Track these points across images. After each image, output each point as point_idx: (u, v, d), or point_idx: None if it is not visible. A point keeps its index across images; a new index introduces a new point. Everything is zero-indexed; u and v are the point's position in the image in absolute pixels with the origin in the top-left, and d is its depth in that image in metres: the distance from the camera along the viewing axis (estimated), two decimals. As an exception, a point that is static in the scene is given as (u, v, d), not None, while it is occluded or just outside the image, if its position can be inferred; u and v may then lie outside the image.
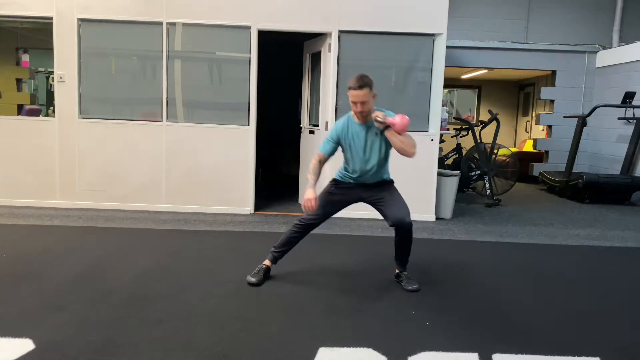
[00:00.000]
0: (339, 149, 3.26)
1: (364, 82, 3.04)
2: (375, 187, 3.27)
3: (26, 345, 2.36)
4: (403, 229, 3.19)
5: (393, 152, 3.19)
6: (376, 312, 2.92)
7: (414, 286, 3.29)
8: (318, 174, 3.18)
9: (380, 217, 3.39)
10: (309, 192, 3.08)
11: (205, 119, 5.47)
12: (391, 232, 3.32)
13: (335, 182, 3.35)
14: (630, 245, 4.80)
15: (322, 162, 3.22)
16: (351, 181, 3.28)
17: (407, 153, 3.08)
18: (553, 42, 8.29)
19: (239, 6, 5.30)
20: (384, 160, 3.25)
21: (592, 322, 2.88)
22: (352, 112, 3.20)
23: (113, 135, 5.41)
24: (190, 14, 5.31)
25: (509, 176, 7.33)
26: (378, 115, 3.06)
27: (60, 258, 3.70)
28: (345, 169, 3.31)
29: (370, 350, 2.44)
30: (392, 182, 3.36)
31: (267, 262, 3.40)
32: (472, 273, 3.74)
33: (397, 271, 3.44)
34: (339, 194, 3.30)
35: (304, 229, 3.33)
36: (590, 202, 7.11)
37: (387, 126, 3.06)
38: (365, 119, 3.14)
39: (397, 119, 3.04)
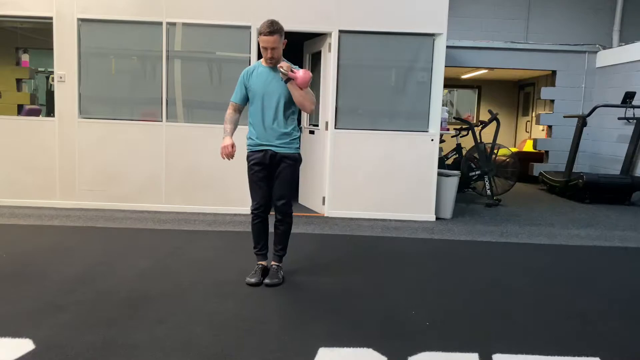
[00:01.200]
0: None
1: (275, 28, 3.09)
2: (281, 160, 3.23)
3: (26, 345, 2.35)
4: (277, 210, 3.25)
5: None
6: (376, 312, 2.92)
7: (275, 280, 3.27)
8: (234, 122, 3.31)
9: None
10: (226, 140, 3.20)
11: (205, 119, 5.47)
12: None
13: (249, 160, 3.29)
14: (630, 245, 4.80)
15: (236, 110, 3.34)
16: (258, 148, 3.23)
17: (304, 106, 3.19)
18: (553, 42, 8.29)
19: (239, 6, 5.31)
20: (285, 110, 3.22)
21: (592, 322, 2.88)
22: (262, 59, 3.27)
23: (113, 135, 5.41)
24: (190, 14, 5.31)
25: (509, 176, 7.33)
26: (282, 65, 3.13)
27: (60, 258, 3.70)
28: (251, 130, 3.27)
29: (370, 350, 2.44)
30: (296, 160, 3.30)
31: (260, 262, 3.41)
32: (472, 273, 3.74)
33: (272, 263, 3.40)
34: (258, 170, 3.25)
35: (261, 215, 3.33)
36: (590, 202, 7.10)
37: (290, 78, 3.13)
38: (274, 64, 3.20)
39: (299, 73, 3.13)
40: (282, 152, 3.23)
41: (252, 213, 3.34)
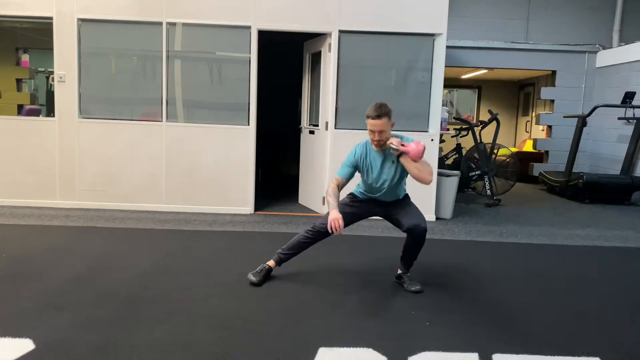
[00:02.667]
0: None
1: (382, 112, 3.04)
2: (391, 203, 3.32)
3: (26, 345, 2.36)
4: (416, 232, 3.20)
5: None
6: (376, 312, 2.92)
7: (417, 287, 3.29)
8: (337, 196, 3.21)
9: (380, 217, 3.40)
10: (334, 213, 3.07)
11: (205, 119, 5.47)
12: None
13: (352, 196, 3.40)
14: (630, 245, 4.80)
15: (340, 186, 3.24)
16: (367, 197, 3.34)
17: (423, 180, 3.08)
18: (553, 42, 8.29)
19: (239, 6, 5.30)
20: (399, 183, 3.28)
21: (592, 322, 2.88)
22: (369, 139, 3.21)
23: (113, 135, 5.41)
24: (190, 14, 5.31)
25: (509, 176, 7.33)
26: (393, 142, 3.07)
27: (60, 258, 3.70)
28: (363, 188, 3.36)
29: (370, 350, 2.44)
30: (407, 196, 3.40)
31: (271, 263, 3.40)
32: (472, 273, 3.74)
33: (399, 272, 3.44)
34: (355, 206, 3.34)
35: (317, 235, 3.32)
36: (590, 202, 7.10)
37: (402, 153, 3.07)
38: (383, 146, 3.15)
39: (412, 146, 3.04)
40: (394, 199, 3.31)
41: (312, 227, 3.32)
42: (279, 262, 3.41)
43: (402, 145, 3.06)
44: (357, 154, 3.23)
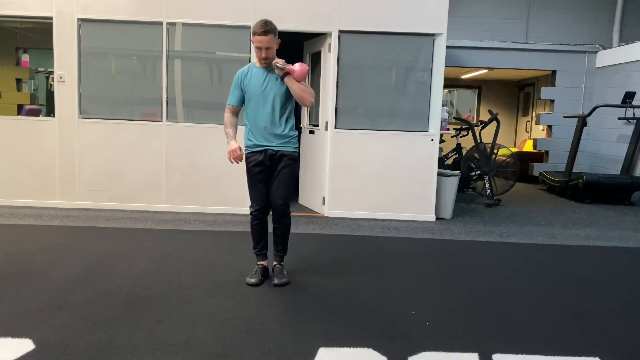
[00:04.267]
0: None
1: (268, 28, 3.08)
2: (279, 159, 3.22)
3: (26, 345, 2.36)
4: (274, 208, 3.24)
5: None
6: (376, 312, 2.92)
7: (283, 280, 3.27)
8: (234, 125, 3.29)
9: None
10: (232, 144, 3.19)
11: (205, 119, 5.47)
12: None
13: (247, 161, 3.28)
14: (630, 245, 4.80)
15: (234, 113, 3.31)
16: (257, 149, 3.23)
17: (304, 100, 3.18)
18: (553, 42, 8.29)
19: (239, 6, 5.30)
20: (282, 111, 3.21)
21: (592, 322, 2.88)
22: (255, 60, 3.27)
23: (113, 135, 5.41)
24: (190, 14, 5.31)
25: (509, 176, 7.33)
26: (278, 61, 3.14)
27: (60, 258, 3.70)
28: (248, 131, 3.26)
29: (370, 350, 2.44)
30: (295, 159, 3.30)
31: (260, 262, 3.41)
32: (472, 273, 3.74)
33: (274, 263, 3.39)
34: (258, 171, 3.25)
35: (260, 216, 3.32)
36: (590, 202, 7.10)
37: (287, 73, 3.13)
38: (268, 66, 3.19)
39: (296, 66, 3.14)
40: (281, 151, 3.22)
41: (251, 214, 3.34)
42: (263, 258, 3.42)
43: (287, 65, 3.13)
44: (238, 74, 3.28)
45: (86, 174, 5.43)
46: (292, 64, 3.18)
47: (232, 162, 3.21)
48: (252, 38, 3.17)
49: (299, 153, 3.33)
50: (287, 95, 3.20)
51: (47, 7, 5.25)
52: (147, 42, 5.36)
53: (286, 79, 3.15)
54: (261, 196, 3.28)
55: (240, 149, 3.18)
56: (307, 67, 3.19)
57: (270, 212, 3.34)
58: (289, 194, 3.29)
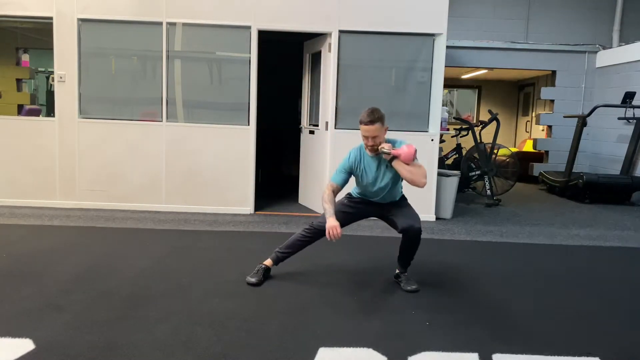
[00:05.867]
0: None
1: (375, 117, 3.05)
2: (387, 205, 3.33)
3: (26, 345, 2.36)
4: (411, 233, 3.20)
5: None
6: (376, 312, 2.92)
7: (413, 287, 3.29)
8: (333, 202, 3.20)
9: (376, 218, 3.40)
10: (331, 221, 3.04)
11: (205, 119, 5.47)
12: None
13: (349, 196, 3.41)
14: (630, 245, 4.80)
15: (335, 192, 3.24)
16: (363, 199, 3.35)
17: (416, 183, 3.07)
18: (553, 42, 8.29)
19: (239, 6, 5.30)
20: (395, 187, 3.29)
21: (592, 322, 2.88)
22: (363, 144, 3.21)
23: (113, 135, 5.41)
24: (190, 14, 5.31)
25: (509, 176, 7.33)
26: (384, 146, 3.08)
27: (60, 258, 3.70)
28: (359, 190, 3.38)
29: (370, 350, 2.44)
30: (404, 198, 3.41)
31: (267, 262, 3.40)
32: (472, 273, 3.74)
33: (397, 271, 3.44)
34: (352, 207, 3.36)
35: (315, 234, 3.32)
36: (590, 202, 7.10)
37: (394, 157, 3.08)
38: (377, 151, 3.15)
39: (403, 149, 3.04)
40: (391, 201, 3.31)
41: (311, 226, 3.32)
42: (276, 262, 3.41)
43: (393, 149, 3.07)
44: (352, 159, 3.23)
45: (86, 174, 5.44)
46: (401, 146, 3.09)
47: (330, 239, 3.05)
48: (359, 125, 3.11)
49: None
50: (398, 175, 3.18)
51: (47, 7, 5.25)
52: (147, 42, 5.36)
53: (394, 163, 3.09)
54: (337, 219, 3.12)
55: (339, 227, 3.02)
56: (415, 149, 3.06)
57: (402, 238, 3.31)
58: (417, 215, 3.27)
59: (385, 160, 3.17)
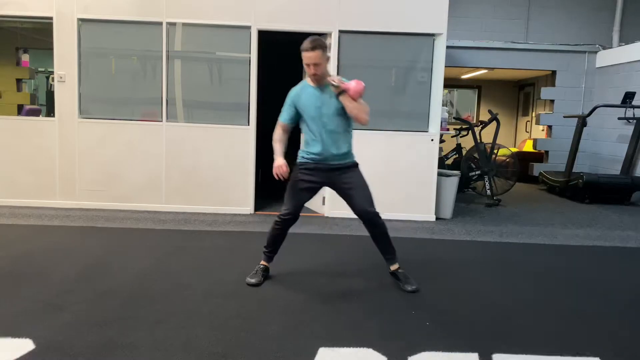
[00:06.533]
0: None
1: (316, 44, 3.06)
2: (341, 170, 3.24)
3: (26, 345, 2.36)
4: (366, 218, 3.22)
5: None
6: (376, 312, 2.92)
7: (413, 287, 3.28)
8: (283, 141, 3.27)
9: (334, 190, 3.37)
10: (279, 160, 3.17)
11: (205, 119, 5.47)
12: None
13: (299, 169, 3.29)
14: (630, 245, 4.80)
15: (285, 131, 3.29)
16: (314, 163, 3.24)
17: (360, 119, 3.12)
18: (553, 42, 8.29)
19: (239, 6, 5.30)
20: (341, 129, 3.20)
21: (592, 322, 2.88)
22: (307, 78, 3.23)
23: (113, 135, 5.41)
24: (190, 14, 5.31)
25: (509, 176, 7.33)
26: (334, 79, 3.10)
27: (60, 258, 3.70)
28: (306, 147, 3.27)
29: (370, 350, 2.44)
30: (357, 165, 3.33)
31: (263, 262, 3.41)
32: (472, 273, 3.74)
33: (390, 269, 3.41)
34: (305, 180, 3.25)
35: (284, 224, 3.32)
36: (590, 202, 7.10)
37: (342, 91, 3.09)
38: (320, 82, 3.16)
39: (351, 84, 3.08)
40: (341, 163, 3.23)
41: (278, 217, 3.31)
42: (268, 260, 3.43)
43: (342, 82, 3.09)
44: (292, 93, 3.26)
45: (86, 174, 5.43)
46: (349, 81, 3.10)
47: (277, 178, 3.16)
48: (302, 55, 3.10)
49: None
50: (344, 112, 3.15)
51: (47, 7, 5.24)
52: (147, 42, 5.36)
53: (341, 97, 3.09)
54: (297, 204, 3.25)
55: (286, 165, 3.13)
56: (363, 85, 3.10)
57: (361, 222, 3.29)
58: (372, 197, 3.25)
59: (328, 92, 3.15)
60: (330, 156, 3.20)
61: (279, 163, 3.14)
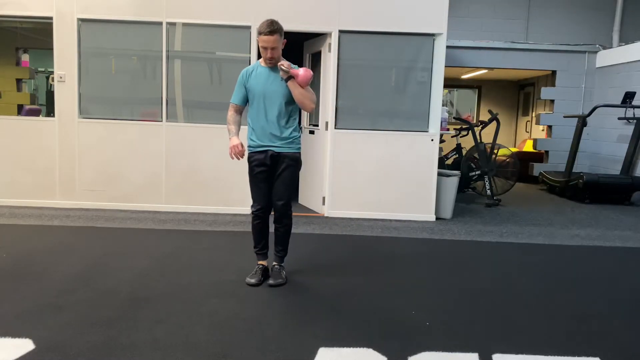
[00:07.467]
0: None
1: (274, 28, 3.08)
2: (281, 160, 3.23)
3: (26, 345, 2.36)
4: (275, 209, 3.25)
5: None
6: (376, 312, 2.92)
7: (278, 280, 3.28)
8: (237, 123, 3.30)
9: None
10: (233, 140, 3.21)
11: (205, 119, 5.47)
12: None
13: (249, 161, 3.29)
14: (630, 245, 4.80)
15: (237, 112, 3.32)
16: (259, 151, 3.23)
17: (305, 105, 3.18)
18: (553, 42, 8.29)
19: (239, 6, 5.31)
20: (284, 113, 3.21)
21: (592, 322, 2.88)
22: (261, 60, 3.26)
23: (113, 135, 5.41)
24: (190, 14, 5.31)
25: (509, 176, 7.33)
26: (284, 63, 3.13)
27: (60, 258, 3.70)
28: (251, 135, 3.27)
29: (370, 350, 2.44)
30: (297, 160, 3.30)
31: (260, 262, 3.41)
32: (472, 273, 3.74)
33: (273, 263, 3.39)
34: (259, 170, 3.25)
35: (261, 216, 3.32)
36: (590, 202, 7.10)
37: (291, 76, 3.13)
38: (274, 66, 3.20)
39: (301, 71, 3.14)
40: (283, 152, 3.22)
41: (252, 214, 3.34)
42: (263, 258, 3.43)
43: (292, 68, 3.13)
44: (243, 73, 3.29)
45: (86, 174, 5.43)
46: (298, 68, 3.17)
47: (232, 158, 3.21)
48: (257, 37, 3.15)
49: (300, 154, 3.33)
50: (291, 97, 3.19)
51: (47, 7, 5.25)
52: (147, 42, 5.37)
53: (289, 83, 3.14)
54: (262, 196, 3.29)
55: (241, 145, 3.19)
56: (312, 73, 3.17)
57: (272, 213, 3.33)
58: (289, 194, 3.29)
59: (277, 74, 3.18)
60: (273, 138, 3.20)
61: (234, 143, 3.18)
